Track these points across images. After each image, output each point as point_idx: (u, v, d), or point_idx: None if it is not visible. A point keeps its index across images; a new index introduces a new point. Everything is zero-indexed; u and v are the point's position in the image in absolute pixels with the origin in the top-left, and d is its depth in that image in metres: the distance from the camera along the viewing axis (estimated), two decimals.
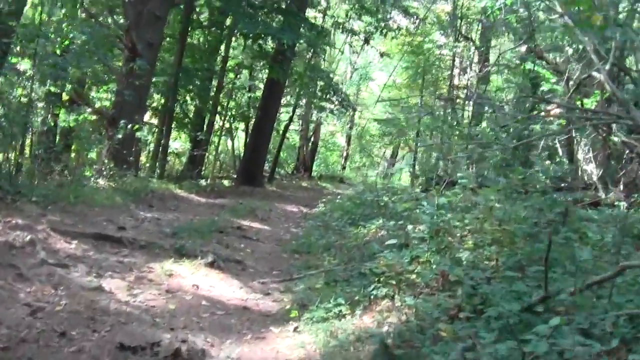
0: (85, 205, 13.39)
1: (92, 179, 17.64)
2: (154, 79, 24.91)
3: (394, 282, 8.44)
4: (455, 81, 35.92)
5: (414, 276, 8.46)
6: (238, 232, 13.87)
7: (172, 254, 10.65)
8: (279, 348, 7.30)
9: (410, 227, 10.86)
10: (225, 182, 27.62)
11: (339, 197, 20.37)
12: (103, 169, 18.39)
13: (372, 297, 8.44)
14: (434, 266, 8.48)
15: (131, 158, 19.12)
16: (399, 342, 6.70)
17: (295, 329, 7.98)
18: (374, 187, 16.18)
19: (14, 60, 15.69)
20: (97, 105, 21.55)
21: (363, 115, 44.17)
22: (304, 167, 38.49)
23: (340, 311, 8.24)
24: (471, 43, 34.09)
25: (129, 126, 18.35)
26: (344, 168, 43.47)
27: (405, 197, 14.95)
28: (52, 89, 17.66)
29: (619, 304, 6.26)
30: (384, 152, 48.42)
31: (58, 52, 17.11)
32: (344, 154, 44.24)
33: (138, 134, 18.77)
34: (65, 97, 20.77)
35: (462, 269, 7.93)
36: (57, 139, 22.19)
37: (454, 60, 35.33)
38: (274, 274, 11.04)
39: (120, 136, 18.53)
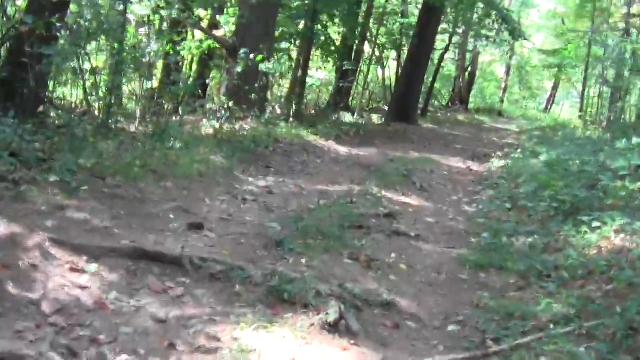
0: (154, 178, 8.09)
1: (206, 121, 12.70)
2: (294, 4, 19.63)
3: None
4: (634, 10, 29.29)
5: None
6: (387, 225, 7.97)
7: (263, 299, 5.21)
8: None
9: None
10: (375, 117, 22.32)
11: (517, 148, 14.51)
12: (218, 110, 13.33)
13: None
14: None
15: (254, 96, 13.88)
16: None
17: None
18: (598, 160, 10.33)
19: None
20: (222, 33, 16.26)
21: (523, 45, 37.63)
22: (459, 99, 33.29)
23: None
24: None
25: (252, 57, 13.21)
26: (502, 101, 37.33)
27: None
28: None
29: None
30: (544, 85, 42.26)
31: None
32: (503, 86, 37.96)
33: (262, 66, 13.42)
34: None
35: None
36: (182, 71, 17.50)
37: None
38: (450, 331, 5.47)
39: (240, 69, 13.42)
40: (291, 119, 15.80)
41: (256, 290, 5.27)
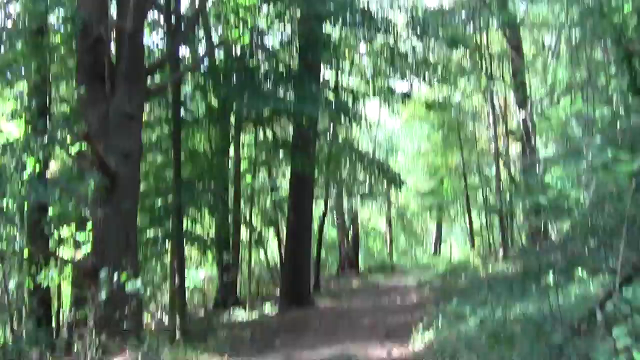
0: None
1: None
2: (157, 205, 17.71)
3: None
4: (498, 131, 28.65)
5: None
6: None
7: None
8: None
9: None
10: (268, 307, 20.14)
11: (438, 317, 12.42)
12: (88, 348, 10.92)
13: None
14: None
15: (126, 324, 11.60)
16: None
17: None
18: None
19: None
20: (82, 252, 13.91)
21: (397, 192, 37.02)
22: (348, 263, 31.99)
23: None
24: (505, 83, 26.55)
25: (115, 278, 10.94)
26: (390, 254, 36.13)
27: None
28: None
29: None
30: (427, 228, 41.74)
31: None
32: (388, 239, 36.83)
33: (129, 286, 11.14)
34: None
35: None
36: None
37: (493, 106, 27.31)
38: None
39: (104, 296, 11.16)
40: (177, 335, 13.53)
41: None
